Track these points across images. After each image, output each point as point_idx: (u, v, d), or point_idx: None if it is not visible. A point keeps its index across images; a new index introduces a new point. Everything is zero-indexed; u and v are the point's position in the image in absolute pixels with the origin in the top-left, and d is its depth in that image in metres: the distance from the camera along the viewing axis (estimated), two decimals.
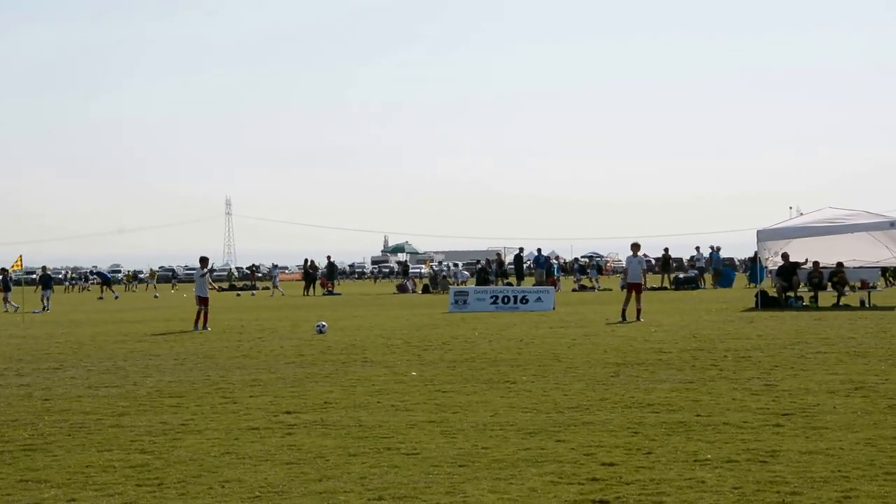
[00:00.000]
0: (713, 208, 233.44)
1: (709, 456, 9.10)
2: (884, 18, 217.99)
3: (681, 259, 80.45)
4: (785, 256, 35.37)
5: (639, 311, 28.06)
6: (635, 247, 30.01)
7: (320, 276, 62.48)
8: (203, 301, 28.01)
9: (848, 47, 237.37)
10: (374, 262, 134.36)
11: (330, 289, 61.56)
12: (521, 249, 62.38)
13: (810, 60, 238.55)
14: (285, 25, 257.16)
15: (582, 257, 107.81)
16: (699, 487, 7.96)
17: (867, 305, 32.88)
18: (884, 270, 44.68)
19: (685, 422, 10.99)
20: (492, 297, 36.07)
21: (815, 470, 8.47)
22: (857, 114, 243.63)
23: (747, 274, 54.69)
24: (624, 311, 28.10)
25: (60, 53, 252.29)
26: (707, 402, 12.34)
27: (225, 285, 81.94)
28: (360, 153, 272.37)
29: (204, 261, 29.92)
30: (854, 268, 36.57)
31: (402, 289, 60.21)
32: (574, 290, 56.25)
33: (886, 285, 47.08)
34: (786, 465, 8.69)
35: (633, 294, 28.54)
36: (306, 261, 62.47)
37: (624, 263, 32.24)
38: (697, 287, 54.91)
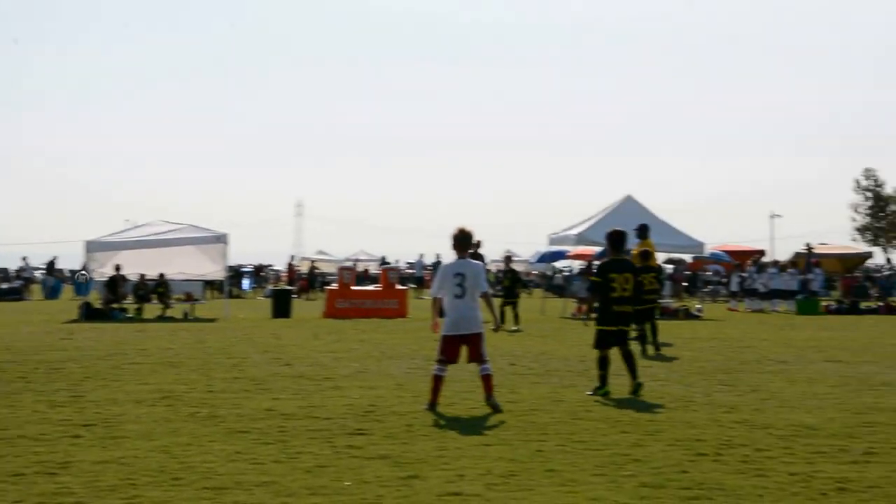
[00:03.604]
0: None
1: None
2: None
3: (6, 269, 76.91)
4: (117, 268, 35.36)
5: None
6: None
7: None
8: None
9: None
10: None
11: None
12: None
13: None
14: None
15: None
16: None
17: (190, 317, 33.87)
18: (210, 283, 46.37)
19: None
20: None
21: (105, 479, 8.42)
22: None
23: (73, 286, 53.66)
24: None
25: None
26: (5, 416, 11.81)
27: None
28: None
29: None
30: (181, 280, 37.55)
31: None
32: None
33: (212, 298, 48.93)
34: (76, 475, 8.54)
35: None
36: None
37: None
38: (22, 298, 52.91)
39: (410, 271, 66.46)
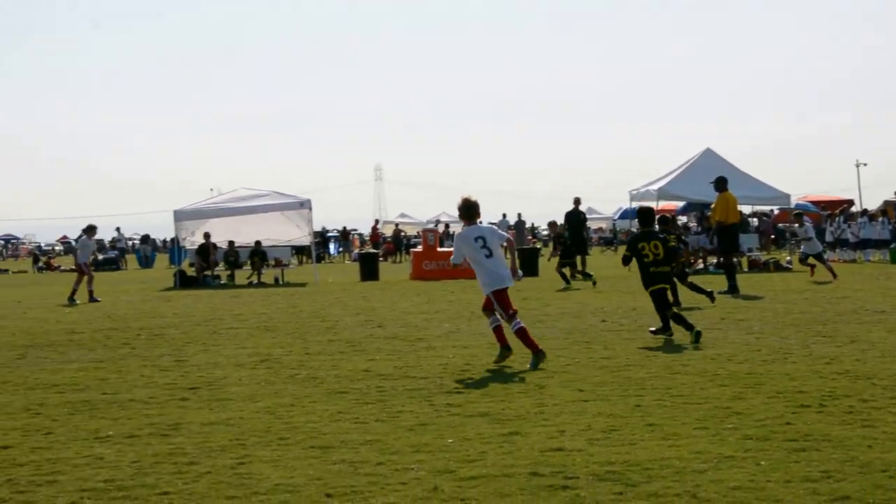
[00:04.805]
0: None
1: (111, 432, 8.98)
2: None
3: (101, 240, 78.75)
4: (206, 235, 35.96)
5: None
6: None
7: None
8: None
9: None
10: None
11: None
12: None
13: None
14: None
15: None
16: (96, 464, 7.81)
17: (281, 283, 34.37)
18: (297, 249, 46.92)
19: (90, 400, 10.77)
20: None
21: (215, 439, 8.64)
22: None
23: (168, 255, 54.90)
24: None
25: None
26: (115, 381, 12.19)
27: None
28: None
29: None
30: (269, 246, 38.08)
31: None
32: None
33: (300, 263, 49.52)
34: (187, 436, 8.79)
35: None
36: None
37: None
38: (118, 268, 54.17)
39: None
